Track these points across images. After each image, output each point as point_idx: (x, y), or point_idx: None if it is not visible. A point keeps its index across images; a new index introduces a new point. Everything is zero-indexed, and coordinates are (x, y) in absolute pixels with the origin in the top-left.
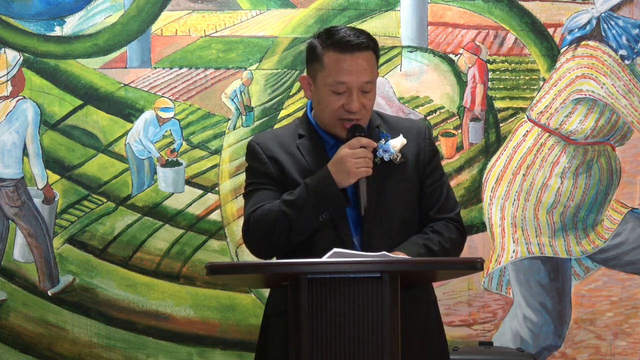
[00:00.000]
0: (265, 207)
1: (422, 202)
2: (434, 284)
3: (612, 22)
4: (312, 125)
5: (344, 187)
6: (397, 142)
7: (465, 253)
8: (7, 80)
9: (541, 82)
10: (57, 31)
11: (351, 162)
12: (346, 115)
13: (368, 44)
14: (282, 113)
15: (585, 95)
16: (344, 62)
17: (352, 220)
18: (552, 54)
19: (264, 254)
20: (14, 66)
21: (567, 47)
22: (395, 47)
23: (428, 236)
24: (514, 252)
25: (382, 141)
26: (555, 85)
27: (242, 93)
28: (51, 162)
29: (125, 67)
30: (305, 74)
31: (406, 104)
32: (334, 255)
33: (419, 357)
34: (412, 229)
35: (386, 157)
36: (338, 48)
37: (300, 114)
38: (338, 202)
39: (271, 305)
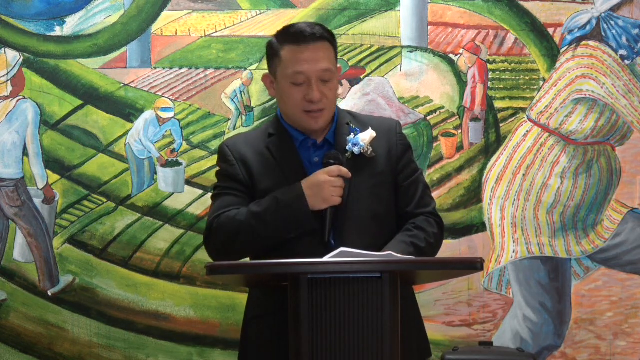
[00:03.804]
0: (231, 213)
1: (399, 198)
2: (434, 284)
3: (612, 22)
4: (282, 123)
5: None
6: (366, 136)
7: (465, 253)
8: (7, 80)
9: (541, 82)
10: (57, 31)
11: (329, 190)
12: (309, 107)
13: (322, 34)
14: None
15: (585, 95)
16: (300, 53)
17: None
18: (552, 54)
19: (222, 259)
20: (14, 66)
21: (567, 47)
22: (395, 47)
23: (413, 233)
24: (514, 252)
25: (352, 135)
26: (555, 85)
27: (242, 93)
28: (51, 162)
29: (125, 67)
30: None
31: (406, 104)
32: (340, 255)
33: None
34: (385, 224)
35: (356, 150)
36: (293, 40)
37: None
38: (307, 224)
39: (251, 308)
